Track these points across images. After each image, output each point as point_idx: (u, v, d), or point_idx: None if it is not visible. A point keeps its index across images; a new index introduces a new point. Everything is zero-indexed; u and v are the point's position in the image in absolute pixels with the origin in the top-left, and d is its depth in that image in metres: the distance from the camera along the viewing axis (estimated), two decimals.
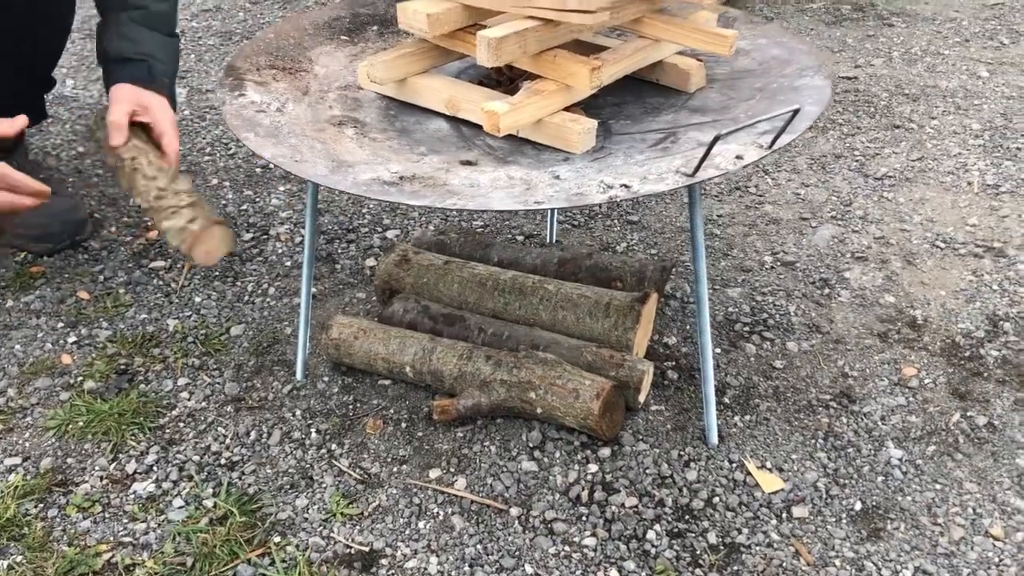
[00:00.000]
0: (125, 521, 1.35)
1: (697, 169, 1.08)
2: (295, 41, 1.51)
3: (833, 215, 2.04)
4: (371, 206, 2.12)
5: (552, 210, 1.93)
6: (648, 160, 1.17)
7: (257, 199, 2.16)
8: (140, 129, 1.52)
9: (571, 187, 1.11)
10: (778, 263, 1.89)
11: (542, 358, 1.48)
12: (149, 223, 2.05)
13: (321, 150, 1.23)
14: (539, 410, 1.45)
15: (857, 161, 2.24)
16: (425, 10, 1.27)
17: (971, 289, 1.79)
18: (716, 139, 1.03)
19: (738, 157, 1.13)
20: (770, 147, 1.14)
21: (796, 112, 1.09)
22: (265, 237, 2.02)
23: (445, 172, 1.18)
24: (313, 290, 1.83)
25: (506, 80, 1.39)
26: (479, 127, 1.30)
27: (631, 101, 1.37)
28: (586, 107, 1.34)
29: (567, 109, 1.27)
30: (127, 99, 1.51)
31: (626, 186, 1.09)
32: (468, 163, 1.21)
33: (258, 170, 2.28)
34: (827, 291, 1.80)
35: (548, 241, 1.93)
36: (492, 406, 1.48)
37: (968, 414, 1.50)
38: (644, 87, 1.41)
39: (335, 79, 1.44)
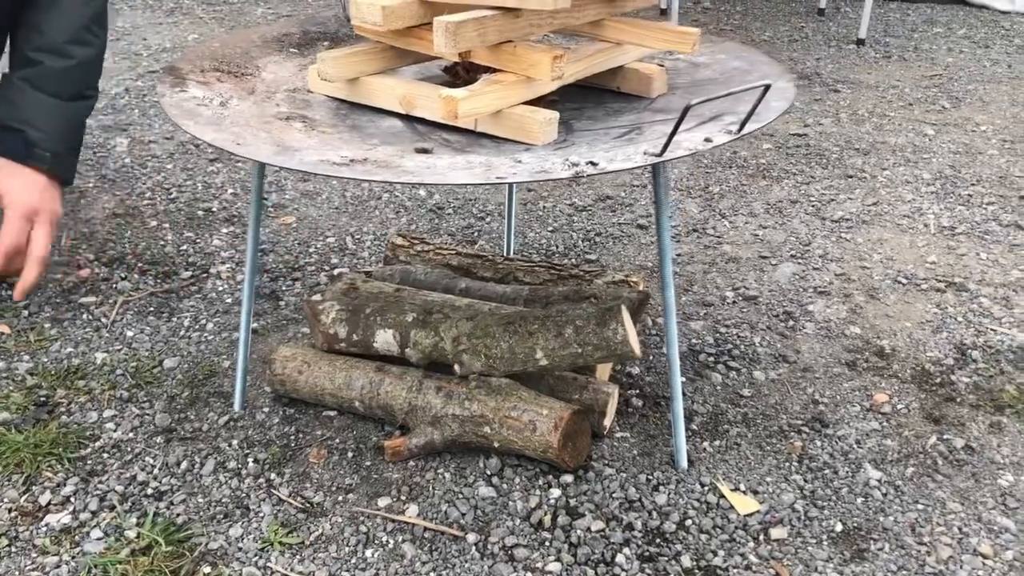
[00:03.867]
0: (34, 555, 1.21)
1: (667, 145, 1.02)
2: (242, 51, 1.45)
3: (793, 254, 2.00)
4: (318, 245, 2.04)
5: (509, 229, 1.86)
6: (614, 148, 1.12)
7: (198, 240, 2.06)
8: None
9: (534, 166, 1.05)
10: (740, 298, 1.84)
11: (495, 386, 1.37)
12: (81, 262, 1.94)
13: (266, 138, 1.15)
14: (496, 444, 1.34)
15: (813, 206, 2.22)
16: (380, 2, 1.22)
17: (936, 320, 1.75)
18: (687, 109, 0.98)
19: (707, 139, 1.08)
20: (739, 131, 1.09)
21: (767, 88, 1.05)
22: (205, 275, 1.91)
23: (400, 157, 1.11)
24: (255, 325, 1.73)
25: (463, 84, 1.34)
26: (435, 124, 1.24)
27: (592, 106, 1.33)
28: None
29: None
30: None
31: (593, 163, 1.03)
32: (424, 151, 1.14)
33: (200, 213, 2.19)
34: (791, 323, 1.75)
35: (504, 254, 1.85)
36: (446, 442, 1.37)
37: (945, 437, 1.44)
38: (604, 95, 1.37)
39: (283, 83, 1.38)
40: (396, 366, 1.45)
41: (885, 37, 3.68)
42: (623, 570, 1.19)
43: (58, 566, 1.18)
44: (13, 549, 1.22)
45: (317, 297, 1.53)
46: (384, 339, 1.43)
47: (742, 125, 1.09)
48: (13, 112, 1.41)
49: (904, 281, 1.89)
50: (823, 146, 2.59)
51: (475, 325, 1.38)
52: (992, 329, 1.72)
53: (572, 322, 1.33)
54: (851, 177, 2.39)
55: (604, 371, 1.50)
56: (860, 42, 3.56)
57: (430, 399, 1.38)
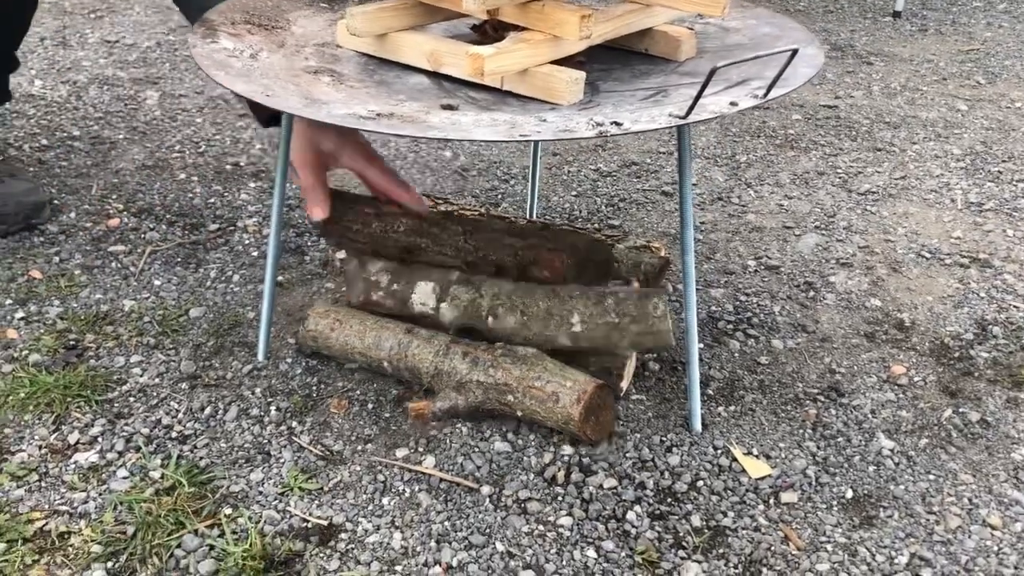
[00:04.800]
0: (63, 490, 1.25)
1: (692, 107, 1.02)
2: (273, 4, 1.46)
3: (817, 225, 2.00)
4: None
5: (532, 192, 1.87)
6: (639, 109, 1.12)
7: (226, 194, 2.08)
8: None
9: (559, 125, 1.06)
10: (762, 267, 1.84)
11: (521, 355, 1.37)
12: (110, 212, 1.97)
13: (295, 90, 1.17)
14: (519, 412, 1.35)
15: (840, 178, 2.21)
16: None
17: (958, 296, 1.75)
18: (713, 71, 0.99)
19: (732, 103, 1.08)
20: (765, 95, 1.09)
21: (794, 53, 1.05)
22: (232, 229, 1.94)
23: (425, 113, 1.12)
24: (280, 279, 1.75)
25: (491, 42, 1.34)
26: (462, 82, 1.24)
27: (619, 68, 1.33)
28: None
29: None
30: None
31: (617, 123, 1.03)
32: (449, 107, 1.15)
33: (228, 167, 2.21)
34: (812, 294, 1.75)
35: (527, 217, 1.87)
36: (470, 408, 1.38)
37: (960, 410, 1.44)
38: (632, 57, 1.37)
39: (312, 38, 1.39)
40: (425, 329, 1.46)
41: (923, 10, 3.62)
42: (633, 527, 1.21)
43: (85, 501, 1.22)
44: (43, 484, 1.25)
45: None
46: (423, 291, 1.45)
47: (768, 89, 1.09)
48: None
49: (928, 255, 1.88)
50: (853, 118, 2.57)
51: (518, 284, 1.40)
52: (1015, 306, 1.71)
53: (615, 293, 1.35)
54: (880, 150, 2.37)
55: None
56: (896, 14, 3.51)
57: (456, 364, 1.39)
